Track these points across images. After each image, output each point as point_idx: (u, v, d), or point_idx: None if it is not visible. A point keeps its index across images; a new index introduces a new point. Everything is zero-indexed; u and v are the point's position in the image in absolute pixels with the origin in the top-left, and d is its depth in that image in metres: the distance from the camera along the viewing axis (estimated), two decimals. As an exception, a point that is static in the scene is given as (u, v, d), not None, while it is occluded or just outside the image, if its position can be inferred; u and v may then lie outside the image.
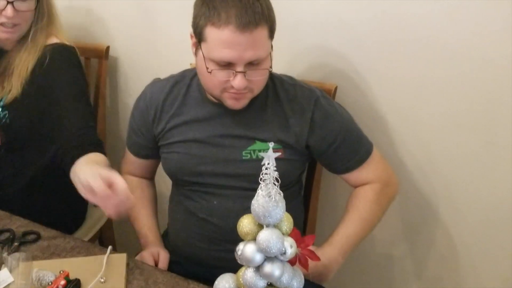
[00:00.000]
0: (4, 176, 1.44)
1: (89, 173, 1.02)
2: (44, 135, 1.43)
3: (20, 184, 1.46)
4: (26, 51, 1.39)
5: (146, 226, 1.40)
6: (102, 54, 1.78)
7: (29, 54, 1.39)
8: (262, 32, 1.14)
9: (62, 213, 1.49)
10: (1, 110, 1.38)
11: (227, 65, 1.15)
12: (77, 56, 1.48)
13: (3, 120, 1.39)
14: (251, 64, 1.16)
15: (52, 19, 1.46)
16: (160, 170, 1.44)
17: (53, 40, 1.45)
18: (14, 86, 1.37)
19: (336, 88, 1.47)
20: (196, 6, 1.18)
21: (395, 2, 1.35)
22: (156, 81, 1.41)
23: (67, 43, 1.47)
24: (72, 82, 1.40)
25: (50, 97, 1.36)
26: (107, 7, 1.80)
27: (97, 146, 1.28)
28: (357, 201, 1.33)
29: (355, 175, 1.34)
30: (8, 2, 1.31)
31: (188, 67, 1.47)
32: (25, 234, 1.25)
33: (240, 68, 1.15)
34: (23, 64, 1.38)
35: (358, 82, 1.48)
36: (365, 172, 1.33)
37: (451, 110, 1.40)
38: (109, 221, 1.82)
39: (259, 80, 1.20)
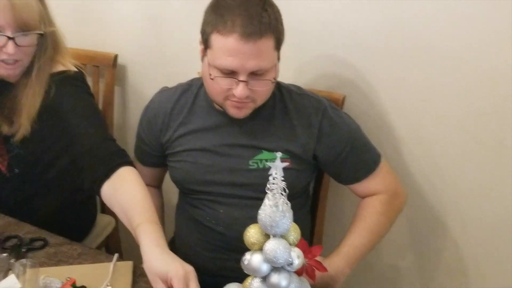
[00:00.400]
0: (18, 200, 1.41)
1: (168, 266, 0.97)
2: (60, 158, 1.40)
3: (33, 200, 1.44)
4: (31, 88, 1.31)
5: None
6: (111, 62, 1.79)
7: (34, 92, 1.31)
8: (267, 43, 1.14)
9: (71, 223, 1.48)
10: (13, 145, 1.35)
11: (230, 73, 1.15)
12: (84, 80, 1.41)
13: (16, 151, 1.37)
14: (255, 74, 1.16)
15: (57, 48, 1.36)
16: (167, 178, 1.44)
17: (59, 67, 1.36)
18: (23, 125, 1.30)
19: (344, 98, 1.47)
20: (205, 13, 1.19)
21: (404, 10, 1.35)
22: (164, 90, 1.41)
23: (73, 68, 1.39)
24: (82, 104, 1.34)
25: (61, 124, 1.30)
26: (116, 16, 1.81)
27: (123, 157, 1.22)
28: (365, 212, 1.32)
29: (363, 186, 1.33)
30: (9, 38, 1.21)
31: (195, 76, 1.48)
32: (33, 240, 1.25)
33: (242, 77, 1.15)
34: (30, 102, 1.30)
35: (367, 92, 1.48)
36: (373, 183, 1.33)
37: (461, 122, 1.39)
38: (115, 229, 1.83)
39: (262, 90, 1.20)
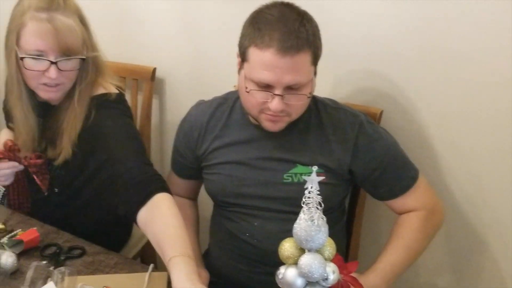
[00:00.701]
0: (57, 218, 1.42)
1: None
2: (98, 178, 1.40)
3: (72, 217, 1.46)
4: (73, 111, 1.31)
5: None
6: (149, 76, 1.83)
7: (76, 115, 1.31)
8: (304, 58, 1.14)
9: (108, 235, 1.49)
10: (54, 166, 1.37)
11: (266, 86, 1.16)
12: (124, 102, 1.41)
13: (56, 172, 1.39)
14: (290, 88, 1.16)
15: (99, 71, 1.36)
16: (203, 190, 1.45)
17: (100, 90, 1.37)
18: (65, 148, 1.32)
19: (381, 113, 1.45)
20: (244, 26, 1.20)
21: (444, 24, 1.33)
22: (200, 103, 1.43)
23: (113, 90, 1.38)
24: (121, 127, 1.33)
25: (100, 146, 1.30)
26: (155, 31, 1.85)
27: (158, 183, 1.18)
28: (402, 229, 1.30)
29: (400, 202, 1.31)
30: (51, 63, 1.22)
31: (231, 89, 1.49)
32: (71, 249, 1.28)
33: (278, 91, 1.15)
34: (72, 125, 1.31)
35: (405, 106, 1.46)
36: (410, 199, 1.30)
37: (503, 140, 1.35)
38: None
39: (297, 105, 1.20)
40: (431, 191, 1.35)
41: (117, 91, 1.39)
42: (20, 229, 1.33)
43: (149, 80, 1.83)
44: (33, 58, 1.22)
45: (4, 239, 1.27)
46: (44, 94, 1.30)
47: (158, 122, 1.98)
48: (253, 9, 1.21)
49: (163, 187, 1.16)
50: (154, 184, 1.16)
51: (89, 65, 1.31)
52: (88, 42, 1.29)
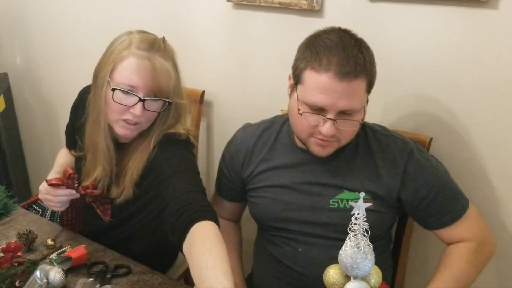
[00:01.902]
0: (111, 243, 1.43)
1: None
2: (152, 204, 1.36)
3: (126, 243, 1.46)
4: (141, 153, 1.31)
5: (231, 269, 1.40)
6: (198, 98, 1.86)
7: (142, 157, 1.31)
8: (360, 84, 1.14)
9: (156, 258, 1.47)
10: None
11: (319, 110, 1.16)
12: (189, 143, 1.37)
13: (119, 199, 1.37)
14: (343, 113, 1.15)
15: (178, 119, 1.35)
16: (247, 212, 1.45)
17: (169, 130, 1.35)
18: (127, 188, 1.32)
19: (431, 140, 1.42)
20: (299, 49, 1.21)
21: (498, 47, 1.30)
22: (247, 126, 1.44)
23: (182, 131, 1.35)
24: (180, 159, 1.31)
25: (157, 180, 1.28)
26: (204, 55, 1.89)
27: (206, 210, 1.15)
28: (450, 259, 1.25)
29: (449, 232, 1.27)
30: (140, 100, 1.23)
31: (278, 113, 1.49)
32: (117, 267, 1.30)
33: (331, 115, 1.15)
34: (136, 166, 1.31)
35: (456, 133, 1.42)
36: (460, 230, 1.26)
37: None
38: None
39: (348, 130, 1.19)
40: (482, 222, 1.30)
41: (184, 132, 1.37)
42: (68, 246, 1.37)
43: (197, 102, 1.87)
44: (123, 91, 1.23)
45: (53, 255, 1.31)
46: (121, 130, 1.29)
47: (205, 144, 2.01)
48: (302, 34, 1.22)
49: (205, 216, 1.12)
50: (201, 212, 1.13)
51: (171, 110, 1.32)
52: (177, 88, 1.30)
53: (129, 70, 1.23)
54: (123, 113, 1.26)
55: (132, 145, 1.34)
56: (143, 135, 1.33)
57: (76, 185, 1.34)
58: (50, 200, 1.34)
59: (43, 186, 1.35)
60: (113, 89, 1.23)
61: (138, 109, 1.23)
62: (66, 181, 1.33)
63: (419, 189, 1.24)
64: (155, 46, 1.25)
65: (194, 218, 1.10)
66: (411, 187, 1.24)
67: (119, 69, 1.24)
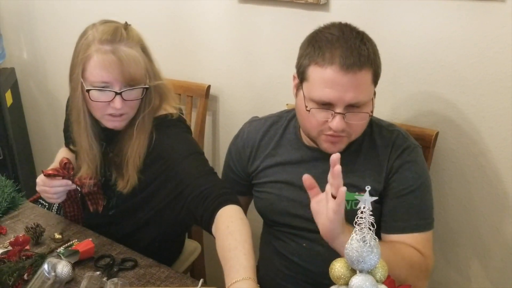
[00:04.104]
0: (117, 238, 1.42)
1: None
2: (156, 196, 1.41)
3: (133, 235, 1.48)
4: (137, 140, 1.33)
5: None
6: (203, 93, 1.87)
7: (139, 143, 1.33)
8: (365, 76, 1.13)
9: (163, 250, 1.49)
10: (115, 191, 1.40)
11: (327, 105, 1.14)
12: (183, 123, 1.41)
13: (117, 192, 1.40)
14: (352, 107, 1.14)
15: (162, 98, 1.38)
16: (252, 207, 1.45)
17: (161, 112, 1.38)
18: (131, 177, 1.34)
19: (437, 134, 1.42)
20: (302, 46, 1.20)
21: (503, 41, 1.30)
22: (254, 120, 1.44)
23: (173, 111, 1.39)
24: (183, 143, 1.35)
25: (162, 165, 1.33)
26: (210, 50, 1.89)
27: (228, 193, 1.20)
28: (399, 245, 1.21)
29: (403, 239, 1.22)
30: (116, 93, 1.25)
31: (284, 107, 1.49)
32: (124, 261, 1.31)
33: (339, 109, 1.14)
34: (136, 153, 1.33)
35: (462, 127, 1.42)
36: (415, 241, 1.21)
37: None
38: (201, 255, 1.86)
39: (358, 124, 1.18)
40: (431, 247, 1.25)
41: (175, 112, 1.40)
42: (76, 240, 1.38)
43: (203, 97, 1.87)
44: (98, 89, 1.25)
45: (61, 249, 1.31)
46: (110, 124, 1.32)
47: (211, 138, 2.02)
48: (308, 28, 1.22)
49: (228, 200, 1.17)
50: (220, 197, 1.18)
51: (151, 93, 1.33)
52: (151, 71, 1.31)
53: (97, 68, 1.24)
54: (105, 109, 1.28)
55: (126, 133, 1.36)
56: (134, 122, 1.34)
57: (72, 175, 1.36)
58: (47, 191, 1.37)
59: (40, 178, 1.37)
60: (87, 90, 1.25)
61: (117, 102, 1.25)
62: (61, 171, 1.35)
63: (401, 180, 1.22)
64: (117, 36, 1.25)
65: (219, 203, 1.16)
66: (395, 177, 1.22)
67: (89, 69, 1.25)
